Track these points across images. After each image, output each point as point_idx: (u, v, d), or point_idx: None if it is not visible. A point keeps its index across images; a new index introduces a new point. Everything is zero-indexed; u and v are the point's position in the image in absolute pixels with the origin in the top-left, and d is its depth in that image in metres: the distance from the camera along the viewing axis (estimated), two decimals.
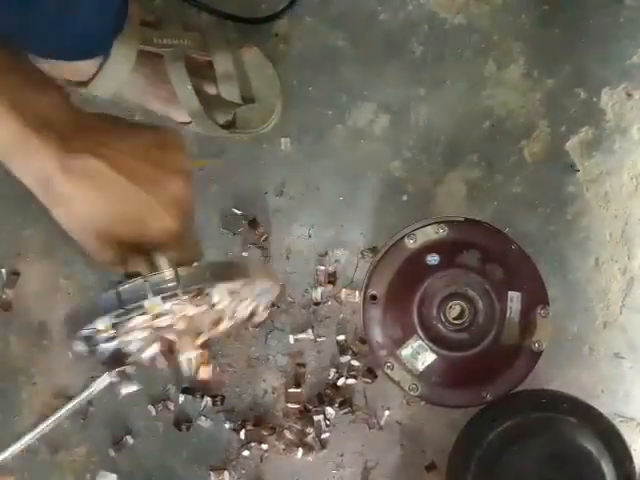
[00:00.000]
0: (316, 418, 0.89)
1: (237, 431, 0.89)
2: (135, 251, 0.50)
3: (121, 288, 0.47)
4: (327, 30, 0.94)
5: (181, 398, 0.90)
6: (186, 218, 0.51)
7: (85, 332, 0.50)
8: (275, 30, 0.94)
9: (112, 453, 0.90)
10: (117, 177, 0.47)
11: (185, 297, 0.48)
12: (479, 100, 0.93)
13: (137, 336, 0.51)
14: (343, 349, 0.90)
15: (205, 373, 0.53)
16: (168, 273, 0.47)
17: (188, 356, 0.52)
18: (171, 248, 0.50)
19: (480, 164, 0.92)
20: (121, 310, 0.47)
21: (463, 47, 0.94)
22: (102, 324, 0.48)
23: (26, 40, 0.60)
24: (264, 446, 0.89)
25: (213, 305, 0.50)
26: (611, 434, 0.76)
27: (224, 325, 0.57)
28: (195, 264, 0.48)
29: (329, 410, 0.89)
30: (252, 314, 0.59)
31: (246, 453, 0.89)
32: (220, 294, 0.50)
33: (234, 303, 0.53)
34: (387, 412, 0.89)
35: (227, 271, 0.49)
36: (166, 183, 0.49)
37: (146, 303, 0.47)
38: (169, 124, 0.88)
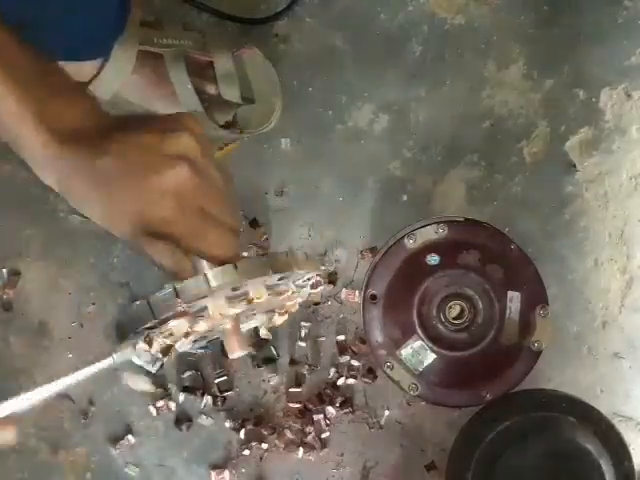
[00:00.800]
0: (316, 418, 0.89)
1: (237, 430, 0.89)
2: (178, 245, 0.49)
3: (152, 298, 0.47)
4: (327, 30, 0.94)
5: (181, 397, 0.90)
6: (194, 209, 0.50)
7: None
8: (275, 30, 0.94)
9: (112, 453, 0.90)
10: (128, 171, 0.47)
11: (220, 300, 0.48)
12: (479, 100, 0.93)
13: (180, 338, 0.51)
14: (343, 349, 0.90)
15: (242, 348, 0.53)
16: (201, 279, 0.46)
17: (238, 355, 0.52)
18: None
19: (480, 164, 0.93)
20: (155, 320, 0.47)
21: (463, 47, 0.94)
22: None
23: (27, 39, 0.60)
24: (264, 445, 0.89)
25: (250, 300, 0.50)
26: (610, 433, 0.76)
27: (277, 319, 0.59)
28: (226, 265, 0.47)
29: (329, 410, 0.89)
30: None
31: (246, 452, 0.89)
32: (256, 289, 0.49)
33: (278, 297, 0.54)
34: (387, 412, 0.90)
35: (260, 266, 0.48)
36: (175, 173, 0.48)
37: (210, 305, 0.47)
38: None
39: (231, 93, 0.87)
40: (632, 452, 0.76)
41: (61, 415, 0.90)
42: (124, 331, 0.49)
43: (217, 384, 0.90)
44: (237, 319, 0.52)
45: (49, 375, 0.47)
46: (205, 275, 0.46)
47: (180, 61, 0.84)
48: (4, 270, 0.92)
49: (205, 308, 0.49)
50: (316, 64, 0.94)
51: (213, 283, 0.46)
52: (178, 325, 0.49)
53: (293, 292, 0.55)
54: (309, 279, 0.57)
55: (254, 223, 0.92)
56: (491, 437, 0.76)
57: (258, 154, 0.92)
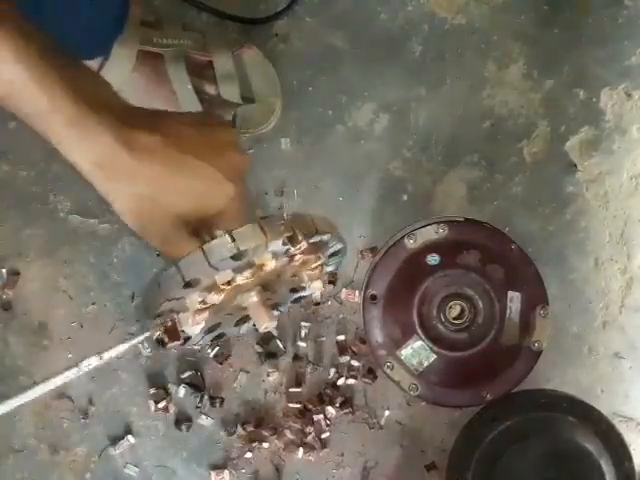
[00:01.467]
0: (316, 418, 0.89)
1: (237, 431, 0.89)
2: (199, 230, 0.50)
3: (182, 261, 0.47)
4: (327, 30, 0.94)
5: (181, 394, 0.89)
6: (245, 185, 0.52)
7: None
8: (275, 30, 0.94)
9: (112, 453, 0.90)
10: (178, 151, 0.47)
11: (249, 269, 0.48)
12: (479, 100, 0.93)
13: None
14: (343, 349, 0.90)
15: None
16: (224, 240, 0.47)
17: (267, 326, 0.53)
18: (234, 217, 0.51)
19: (480, 164, 0.93)
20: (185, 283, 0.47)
21: (463, 47, 0.94)
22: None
23: None
24: (265, 445, 0.89)
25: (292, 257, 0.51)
26: (610, 434, 0.76)
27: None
28: (249, 225, 0.48)
29: (329, 410, 0.89)
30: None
31: (246, 453, 0.89)
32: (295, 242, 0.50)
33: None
34: (387, 412, 0.90)
35: (278, 226, 0.49)
36: (223, 154, 0.50)
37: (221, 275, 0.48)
38: None
39: (231, 93, 0.87)
40: (632, 452, 0.76)
41: (61, 415, 0.90)
42: (151, 303, 0.49)
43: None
44: (262, 291, 0.53)
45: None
46: (230, 234, 0.46)
47: (180, 61, 0.84)
48: (4, 270, 0.91)
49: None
50: (316, 64, 0.94)
51: (240, 242, 0.46)
52: (221, 278, 0.48)
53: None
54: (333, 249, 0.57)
55: None
56: (491, 437, 0.76)
57: (258, 154, 0.92)
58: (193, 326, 0.53)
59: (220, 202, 0.50)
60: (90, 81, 0.47)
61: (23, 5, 0.44)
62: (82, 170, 0.46)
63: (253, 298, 0.53)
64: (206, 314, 0.53)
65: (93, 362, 0.49)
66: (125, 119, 0.46)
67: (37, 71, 0.43)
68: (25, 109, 0.44)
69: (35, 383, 0.44)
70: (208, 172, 0.49)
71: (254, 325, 0.63)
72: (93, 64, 0.80)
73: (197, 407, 0.89)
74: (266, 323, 0.53)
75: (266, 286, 0.56)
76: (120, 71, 0.81)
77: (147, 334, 0.52)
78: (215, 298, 0.51)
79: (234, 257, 0.47)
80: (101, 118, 0.45)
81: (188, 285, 0.48)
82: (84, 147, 0.45)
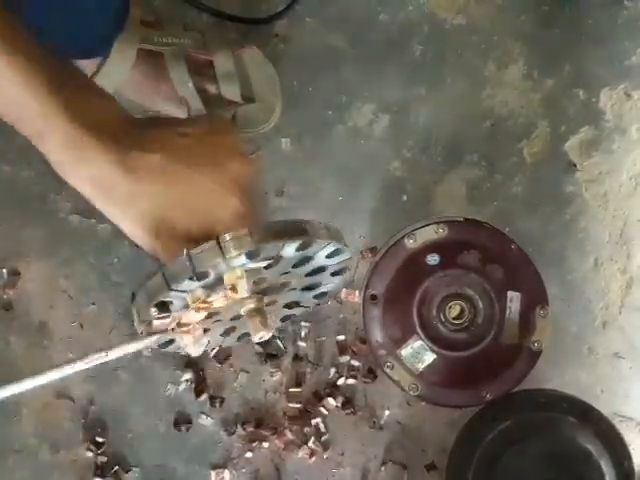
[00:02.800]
0: (316, 418, 0.89)
1: (238, 431, 0.89)
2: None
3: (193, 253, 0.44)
4: (327, 30, 0.94)
5: (182, 385, 0.89)
6: (250, 195, 0.50)
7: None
8: (275, 30, 0.94)
9: (112, 452, 0.90)
10: (178, 167, 0.46)
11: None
12: (479, 100, 0.93)
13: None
14: (343, 349, 0.90)
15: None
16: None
17: (262, 336, 0.50)
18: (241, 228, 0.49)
19: (480, 164, 0.93)
20: (194, 277, 0.45)
21: (463, 47, 0.94)
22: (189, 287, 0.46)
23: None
24: (265, 445, 0.89)
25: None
26: (610, 434, 0.77)
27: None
28: (240, 231, 0.45)
29: (329, 410, 0.89)
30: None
31: (247, 453, 0.89)
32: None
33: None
34: (387, 412, 0.90)
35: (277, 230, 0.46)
36: (225, 165, 0.49)
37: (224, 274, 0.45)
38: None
39: (231, 92, 0.87)
40: (632, 452, 0.76)
41: (61, 415, 0.90)
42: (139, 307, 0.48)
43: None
44: (260, 299, 0.51)
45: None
46: (217, 240, 0.44)
47: (180, 60, 0.84)
48: (4, 270, 0.92)
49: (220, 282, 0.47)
50: (316, 64, 0.94)
51: (229, 248, 0.44)
52: (194, 295, 0.46)
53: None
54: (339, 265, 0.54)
55: None
56: (491, 437, 0.76)
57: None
58: (188, 341, 0.51)
59: (225, 217, 0.48)
60: (85, 98, 0.45)
61: (24, 7, 0.44)
62: (83, 193, 0.45)
63: (250, 305, 0.50)
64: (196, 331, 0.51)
65: (98, 359, 0.48)
66: (122, 137, 0.45)
67: (37, 96, 0.42)
68: (24, 130, 0.43)
69: (39, 372, 0.44)
70: (210, 187, 0.48)
71: (239, 339, 0.62)
72: (93, 63, 0.80)
73: (201, 411, 0.89)
74: (261, 332, 0.50)
75: (266, 292, 0.54)
76: (120, 70, 0.81)
77: (157, 337, 0.51)
78: (195, 316, 0.49)
79: (196, 277, 0.45)
80: (97, 139, 0.44)
81: (163, 306, 0.47)
82: (81, 170, 0.44)
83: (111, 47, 0.80)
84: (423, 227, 0.81)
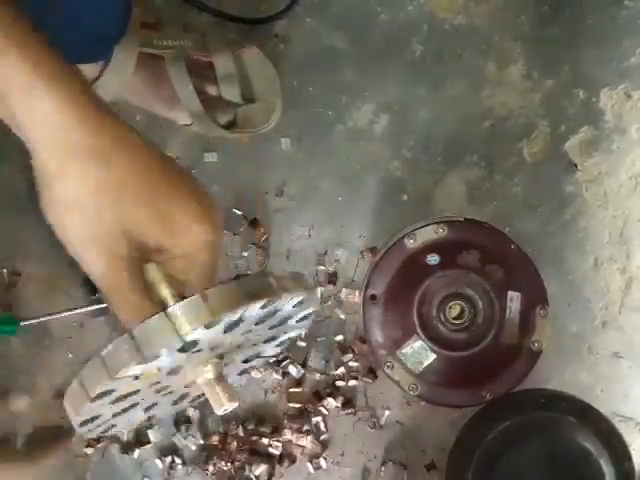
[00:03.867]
0: (316, 418, 0.89)
1: (238, 430, 0.89)
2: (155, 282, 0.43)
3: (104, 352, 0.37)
4: (327, 30, 0.94)
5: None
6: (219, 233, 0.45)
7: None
8: (275, 30, 0.94)
9: (113, 452, 0.90)
10: (149, 164, 0.42)
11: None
12: (479, 100, 0.93)
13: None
14: (343, 349, 0.90)
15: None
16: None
17: (225, 409, 0.43)
18: (203, 270, 0.44)
19: (480, 164, 0.93)
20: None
21: (463, 47, 0.94)
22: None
23: None
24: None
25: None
26: (610, 433, 0.77)
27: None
28: (193, 298, 0.38)
29: (329, 409, 0.89)
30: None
31: (246, 452, 0.89)
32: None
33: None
34: (387, 412, 0.90)
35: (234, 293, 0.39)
36: (202, 192, 0.44)
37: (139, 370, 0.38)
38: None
39: (231, 93, 0.87)
40: (632, 452, 0.76)
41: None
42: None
43: None
44: (219, 364, 0.43)
45: (49, 375, 0.46)
46: (165, 312, 0.37)
47: (180, 62, 0.84)
48: (4, 270, 0.91)
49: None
50: (316, 64, 0.94)
51: (182, 323, 0.36)
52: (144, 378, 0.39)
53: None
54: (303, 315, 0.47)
55: (254, 223, 0.92)
56: (491, 437, 0.76)
57: (258, 154, 0.92)
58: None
59: (189, 245, 0.43)
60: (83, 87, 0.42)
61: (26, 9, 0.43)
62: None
63: (208, 374, 0.42)
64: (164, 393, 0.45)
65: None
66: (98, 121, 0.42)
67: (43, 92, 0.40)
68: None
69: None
70: (191, 204, 0.43)
71: (191, 401, 0.53)
72: (94, 67, 0.80)
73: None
74: (226, 404, 0.42)
75: (223, 355, 0.45)
76: (121, 74, 0.81)
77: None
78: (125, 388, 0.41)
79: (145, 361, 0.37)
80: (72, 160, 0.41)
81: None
82: (66, 153, 0.41)
83: (113, 51, 0.80)
84: (423, 227, 0.81)
